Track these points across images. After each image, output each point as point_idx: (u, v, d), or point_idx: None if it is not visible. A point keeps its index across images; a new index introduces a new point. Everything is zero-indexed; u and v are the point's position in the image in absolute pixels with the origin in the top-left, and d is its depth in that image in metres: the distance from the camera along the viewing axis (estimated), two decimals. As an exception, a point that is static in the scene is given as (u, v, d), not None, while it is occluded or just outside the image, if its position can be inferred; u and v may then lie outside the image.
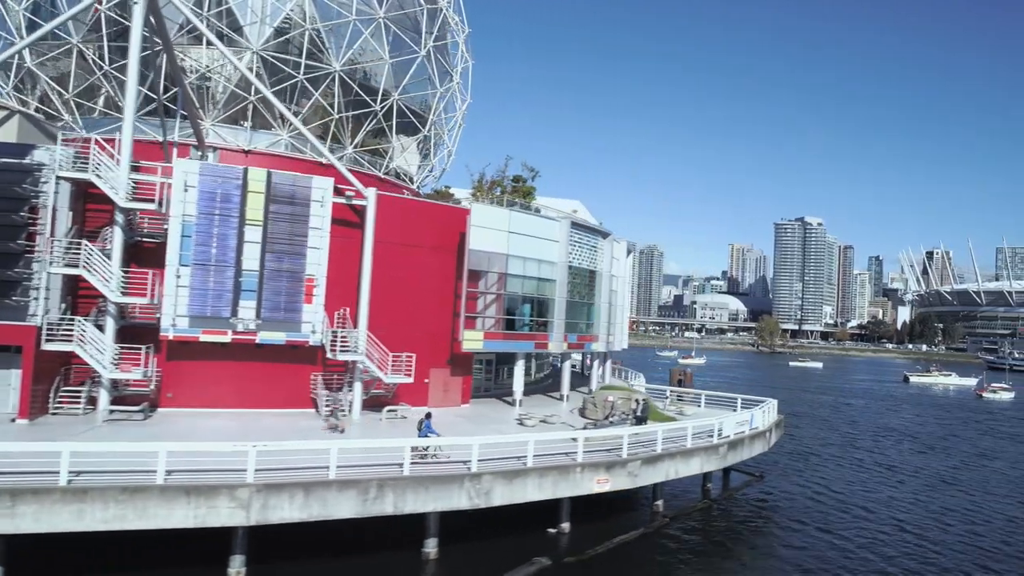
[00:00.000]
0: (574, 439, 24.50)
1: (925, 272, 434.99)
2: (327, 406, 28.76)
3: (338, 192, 31.09)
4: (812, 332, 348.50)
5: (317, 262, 29.44)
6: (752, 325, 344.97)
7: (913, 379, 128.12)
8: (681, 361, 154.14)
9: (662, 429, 27.36)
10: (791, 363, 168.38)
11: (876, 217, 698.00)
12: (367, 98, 43.16)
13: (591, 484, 23.94)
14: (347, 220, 31.67)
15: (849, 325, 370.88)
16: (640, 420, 30.76)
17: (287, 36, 41.28)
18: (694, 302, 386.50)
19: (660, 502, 29.77)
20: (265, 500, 18.41)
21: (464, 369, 35.41)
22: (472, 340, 33.43)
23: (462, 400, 35.33)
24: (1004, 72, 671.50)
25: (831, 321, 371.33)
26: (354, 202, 31.26)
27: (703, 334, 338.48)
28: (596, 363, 48.36)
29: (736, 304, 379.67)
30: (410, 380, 30.46)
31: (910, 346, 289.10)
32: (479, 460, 21.76)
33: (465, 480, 21.11)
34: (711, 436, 29.66)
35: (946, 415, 76.30)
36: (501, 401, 37.97)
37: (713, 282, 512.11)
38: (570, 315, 39.31)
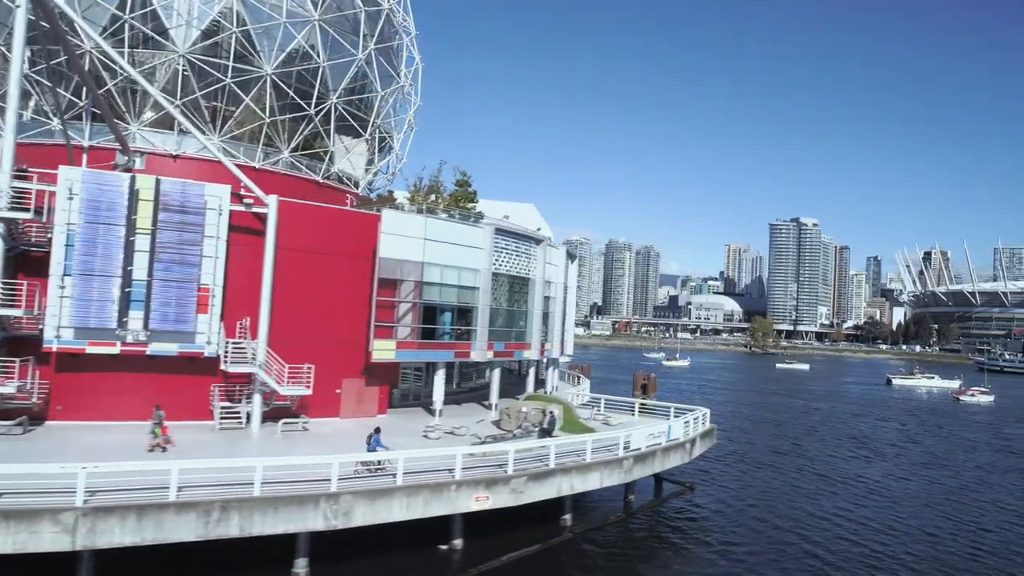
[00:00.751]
0: (456, 455, 23.81)
1: (923, 273, 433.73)
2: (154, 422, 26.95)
3: (239, 199, 30.47)
4: (807, 333, 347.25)
5: (212, 271, 28.80)
6: (747, 326, 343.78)
7: (896, 382, 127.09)
8: (665, 363, 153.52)
9: (555, 444, 26.68)
10: (778, 365, 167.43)
11: (876, 217, 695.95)
12: (301, 102, 42.54)
13: (468, 502, 23.29)
14: (252, 228, 31.03)
15: (845, 326, 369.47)
16: (546, 432, 30.11)
17: (216, 39, 40.66)
18: (689, 303, 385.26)
19: (568, 516, 29.15)
20: (93, 524, 17.78)
21: (381, 379, 34.77)
22: (383, 350, 32.78)
23: (379, 410, 34.69)
24: (1003, 68, 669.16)
25: (827, 322, 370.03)
26: (254, 210, 30.60)
27: (697, 335, 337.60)
28: (550, 370, 47.83)
29: (731, 305, 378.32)
30: (308, 392, 29.83)
31: (904, 347, 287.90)
32: (339, 479, 21.10)
33: (321, 500, 20.45)
34: (615, 449, 28.98)
35: (913, 420, 75.49)
36: (426, 411, 37.32)
37: (711, 283, 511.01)
38: (497, 323, 38.66)
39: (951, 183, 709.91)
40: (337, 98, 44.20)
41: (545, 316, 44.21)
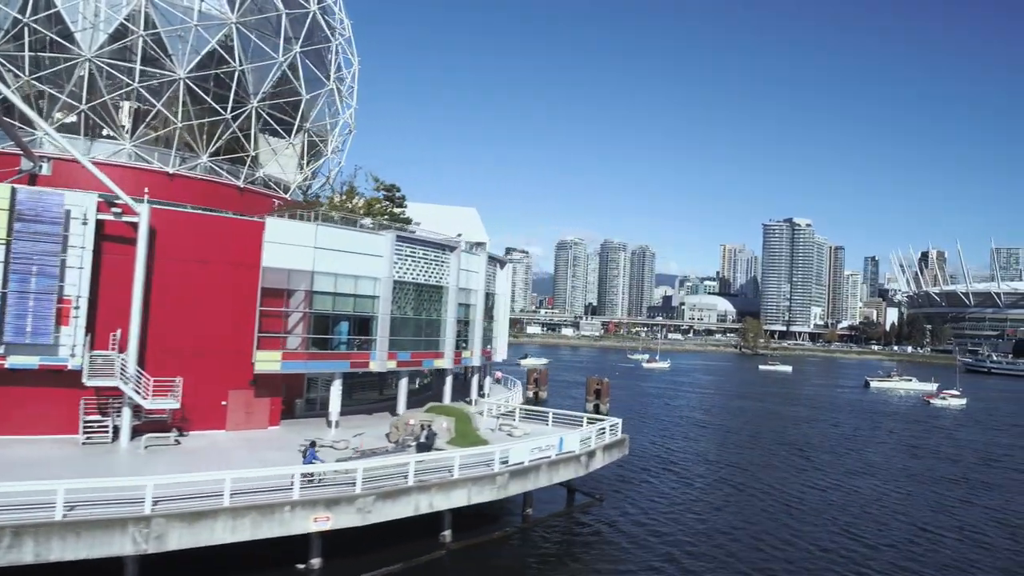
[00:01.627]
0: (294, 474, 23.06)
1: (921, 273, 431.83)
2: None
3: (110, 206, 29.76)
4: (800, 334, 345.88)
5: (77, 282, 28.11)
6: (740, 326, 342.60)
7: (873, 384, 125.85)
8: (645, 365, 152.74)
9: (415, 460, 25.92)
10: (760, 367, 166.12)
11: (875, 217, 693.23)
12: (217, 106, 41.88)
13: (307, 523, 22.56)
14: (127, 237, 30.30)
15: (840, 326, 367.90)
16: (425, 447, 29.38)
17: (124, 42, 39.99)
18: (682, 303, 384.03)
19: (447, 532, 28.45)
20: None
21: (274, 390, 34.05)
22: (267, 361, 32.08)
23: (270, 422, 33.98)
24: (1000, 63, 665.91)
25: (821, 322, 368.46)
26: (125, 219, 29.89)
27: (691, 335, 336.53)
28: (475, 377, 47.04)
29: (725, 305, 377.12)
30: (176, 405, 29.10)
31: (896, 348, 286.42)
32: (155, 501, 20.37)
33: (130, 524, 19.73)
34: (491, 464, 28.22)
35: (868, 424, 74.48)
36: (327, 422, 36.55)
37: (707, 283, 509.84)
38: (404, 332, 37.93)
39: (954, 182, 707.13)
40: (259, 102, 43.55)
41: (465, 324, 43.52)
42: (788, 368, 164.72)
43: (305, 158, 50.06)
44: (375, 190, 51.27)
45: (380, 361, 36.24)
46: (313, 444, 27.02)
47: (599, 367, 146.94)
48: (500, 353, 52.78)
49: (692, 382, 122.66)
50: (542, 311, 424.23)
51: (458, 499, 26.59)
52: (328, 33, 50.41)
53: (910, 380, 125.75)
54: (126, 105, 41.32)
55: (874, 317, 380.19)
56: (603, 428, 35.80)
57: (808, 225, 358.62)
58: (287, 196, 48.69)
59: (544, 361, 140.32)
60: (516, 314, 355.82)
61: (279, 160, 47.80)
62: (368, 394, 42.55)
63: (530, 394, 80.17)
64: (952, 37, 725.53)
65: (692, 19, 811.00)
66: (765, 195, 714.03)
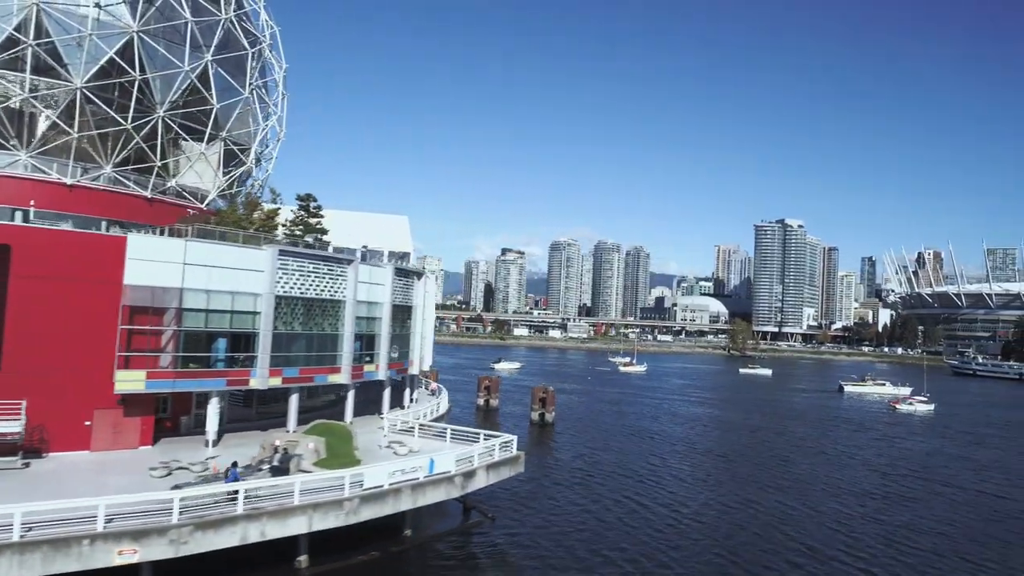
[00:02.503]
0: (99, 505, 22.27)
1: (916, 273, 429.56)
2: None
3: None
4: (792, 335, 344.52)
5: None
6: (729, 328, 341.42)
7: (848, 389, 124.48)
8: (621, 369, 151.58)
9: (245, 487, 25.13)
10: (741, 371, 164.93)
11: (874, 218, 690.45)
12: (119, 116, 41.24)
13: (110, 557, 21.78)
14: (-20, 255, 29.63)
15: (834, 327, 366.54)
16: (280, 471, 28.58)
17: (15, 51, 39.35)
18: (675, 304, 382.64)
19: (303, 556, 27.75)
20: None
21: (143, 409, 33.27)
22: (129, 381, 31.34)
23: (140, 442, 33.23)
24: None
25: (815, 323, 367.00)
26: (-30, 237, 29.17)
27: (682, 337, 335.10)
28: (388, 389, 46.18)
29: (717, 306, 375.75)
30: (16, 430, 28.31)
31: (887, 349, 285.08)
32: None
33: None
34: (341, 489, 27.43)
35: (816, 432, 73.37)
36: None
37: (703, 283, 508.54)
38: (292, 347, 37.20)
39: (951, 184, 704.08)
40: (166, 111, 42.89)
41: (371, 337, 42.72)
42: (768, 372, 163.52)
43: (221, 167, 49.31)
44: (298, 200, 50.70)
45: (261, 378, 35.47)
46: (235, 464, 26.73)
47: (575, 371, 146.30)
48: (424, 363, 52.01)
49: (660, 387, 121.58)
50: (536, 312, 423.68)
51: (296, 527, 25.82)
52: (246, 41, 49.62)
53: (884, 384, 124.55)
54: (22, 114, 40.80)
55: (869, 318, 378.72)
56: (493, 446, 35.02)
57: (800, 226, 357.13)
58: (203, 206, 47.88)
59: (517, 365, 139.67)
60: (508, 315, 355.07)
61: (196, 169, 47.06)
62: (278, 407, 41.65)
63: (480, 402, 79.43)
64: (948, 35, 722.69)
65: (691, 20, 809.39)
66: (764, 196, 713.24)
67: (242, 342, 35.22)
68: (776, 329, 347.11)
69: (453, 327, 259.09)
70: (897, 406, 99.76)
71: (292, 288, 36.98)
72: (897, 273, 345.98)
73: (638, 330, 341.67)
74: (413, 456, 32.41)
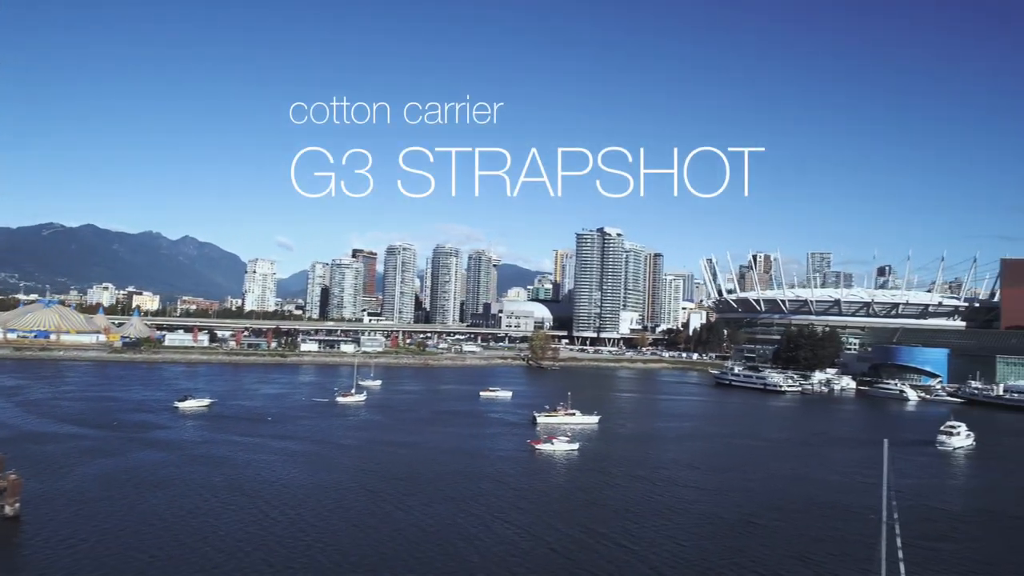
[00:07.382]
0: None
1: (743, 277, 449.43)
2: None
3: None
4: (611, 340, 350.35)
5: None
6: (559, 334, 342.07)
7: (540, 420, 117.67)
8: (340, 400, 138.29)
9: None
10: (481, 394, 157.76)
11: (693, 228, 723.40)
12: None
13: None
14: None
15: (659, 330, 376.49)
16: None
17: None
18: (501, 310, 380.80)
19: None
20: None
21: None
22: None
23: None
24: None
25: (639, 326, 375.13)
26: None
27: (505, 343, 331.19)
28: None
29: (542, 312, 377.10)
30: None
31: (683, 355, 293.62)
32: None
33: None
34: None
35: (396, 486, 64.47)
36: None
37: (547, 287, 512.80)
38: None
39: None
40: None
41: None
42: (508, 394, 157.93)
43: None
44: None
45: None
46: None
47: (288, 404, 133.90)
48: None
49: (349, 425, 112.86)
50: (369, 319, 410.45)
51: None
52: None
53: (573, 414, 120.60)
54: None
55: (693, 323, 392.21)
56: None
57: (619, 235, 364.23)
58: None
59: (207, 402, 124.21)
60: (303, 324, 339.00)
61: None
62: None
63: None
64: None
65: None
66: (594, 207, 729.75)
67: None
68: (595, 335, 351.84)
69: (232, 344, 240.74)
70: (537, 446, 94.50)
71: None
72: (715, 279, 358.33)
73: (457, 337, 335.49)
74: None
